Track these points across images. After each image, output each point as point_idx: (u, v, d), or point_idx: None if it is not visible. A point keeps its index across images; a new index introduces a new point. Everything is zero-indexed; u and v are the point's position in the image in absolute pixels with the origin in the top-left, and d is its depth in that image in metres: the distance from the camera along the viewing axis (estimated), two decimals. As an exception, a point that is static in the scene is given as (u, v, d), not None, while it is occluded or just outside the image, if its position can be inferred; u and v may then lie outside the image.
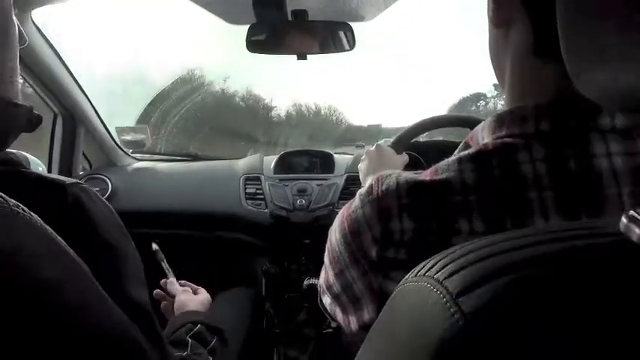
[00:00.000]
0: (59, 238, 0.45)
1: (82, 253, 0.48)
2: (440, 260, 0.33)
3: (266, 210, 1.73)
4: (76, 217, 0.55)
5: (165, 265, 1.26)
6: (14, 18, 0.59)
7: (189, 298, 1.11)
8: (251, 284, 1.76)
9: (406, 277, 0.36)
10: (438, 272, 0.32)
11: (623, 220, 0.31)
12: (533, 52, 0.51)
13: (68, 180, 0.58)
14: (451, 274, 0.31)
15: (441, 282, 0.30)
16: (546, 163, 0.48)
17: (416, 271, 0.35)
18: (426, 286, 0.32)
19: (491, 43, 0.59)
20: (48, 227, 0.45)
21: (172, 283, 1.19)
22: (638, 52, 0.26)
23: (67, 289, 0.44)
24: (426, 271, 0.33)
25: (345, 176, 1.81)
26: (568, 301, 0.27)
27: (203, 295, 1.15)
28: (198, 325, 0.91)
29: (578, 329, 0.26)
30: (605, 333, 0.25)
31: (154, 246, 1.29)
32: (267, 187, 1.78)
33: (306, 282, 1.40)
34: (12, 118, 0.60)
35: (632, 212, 0.31)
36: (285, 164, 1.93)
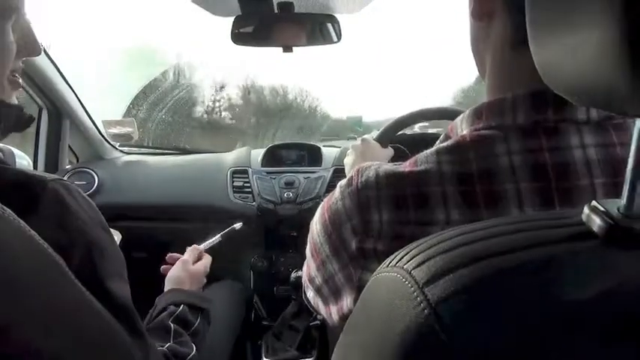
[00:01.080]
0: (35, 234, 0.45)
1: (61, 249, 0.48)
2: (411, 250, 0.34)
3: (253, 203, 1.73)
4: (55, 213, 0.54)
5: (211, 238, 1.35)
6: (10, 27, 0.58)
7: (181, 270, 1.12)
8: (239, 278, 1.76)
9: (379, 267, 0.36)
10: (407, 262, 0.32)
11: (585, 210, 0.31)
12: (512, 45, 0.51)
13: (49, 176, 0.57)
14: (419, 264, 0.31)
15: (410, 272, 0.31)
16: (522, 154, 0.48)
17: (388, 261, 0.35)
18: (396, 277, 0.32)
19: (471, 36, 0.59)
20: (22, 222, 0.44)
21: (189, 250, 1.23)
22: (603, 50, 0.26)
23: (43, 286, 0.44)
24: (397, 262, 0.34)
25: (332, 169, 1.81)
26: (528, 291, 0.27)
27: (198, 265, 1.18)
28: (182, 307, 0.92)
29: (538, 318, 0.26)
30: (563, 322, 0.26)
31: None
32: (255, 180, 1.78)
33: (293, 274, 1.41)
34: (2, 118, 0.60)
35: (594, 202, 0.31)
36: (273, 157, 1.93)
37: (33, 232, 0.44)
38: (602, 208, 0.31)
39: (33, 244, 0.44)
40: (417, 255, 0.32)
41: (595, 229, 0.30)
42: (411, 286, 0.30)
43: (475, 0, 0.55)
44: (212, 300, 1.03)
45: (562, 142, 0.48)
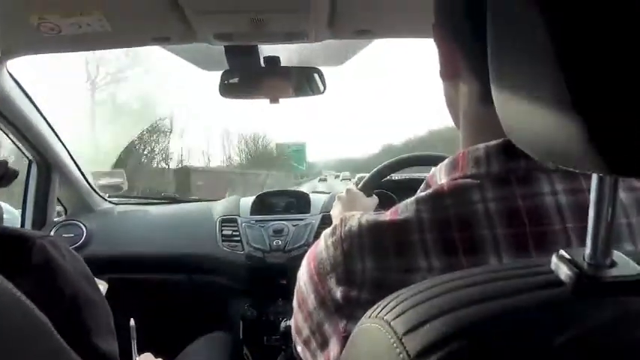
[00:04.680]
0: (22, 295, 0.45)
1: (47, 307, 0.48)
2: (391, 301, 0.35)
3: (242, 252, 1.73)
4: (42, 270, 0.55)
5: (134, 345, 1.23)
6: None
7: None
8: (229, 328, 1.74)
9: (362, 318, 0.37)
10: (387, 313, 0.34)
11: (554, 259, 0.33)
12: (480, 100, 0.54)
13: (37, 233, 0.58)
14: (398, 315, 0.32)
15: (390, 323, 0.32)
16: (497, 202, 0.50)
17: (370, 312, 0.36)
18: (377, 327, 0.33)
19: (444, 92, 0.63)
20: (10, 285, 0.44)
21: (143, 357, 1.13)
22: (557, 113, 0.28)
23: (28, 348, 0.43)
24: (378, 313, 0.35)
25: (320, 216, 1.83)
26: (499, 340, 0.29)
27: None
28: None
29: None
30: None
31: (132, 322, 1.28)
32: (244, 229, 1.79)
33: (283, 324, 1.40)
34: None
35: (561, 251, 0.33)
36: (262, 205, 1.94)
37: (20, 294, 0.45)
38: (568, 257, 0.33)
39: (20, 306, 0.44)
40: (397, 306, 0.34)
41: (563, 277, 0.32)
42: (391, 337, 0.31)
43: (441, 62, 0.58)
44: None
45: (534, 189, 0.51)
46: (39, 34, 1.18)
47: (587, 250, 0.32)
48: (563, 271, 0.32)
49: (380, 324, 0.33)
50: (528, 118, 0.32)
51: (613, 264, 0.32)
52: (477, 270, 0.36)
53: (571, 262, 0.32)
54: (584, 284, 0.31)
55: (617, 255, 0.33)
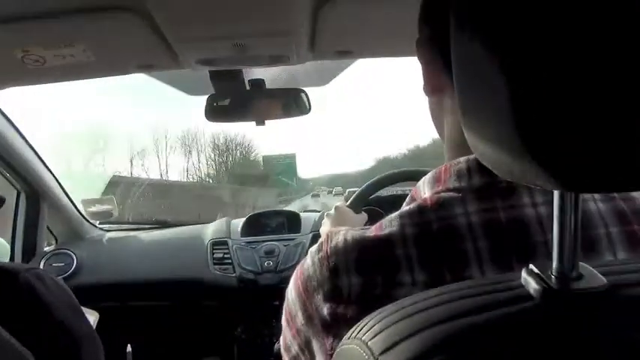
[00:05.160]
0: (2, 330, 0.45)
1: (34, 344, 0.48)
2: (370, 320, 0.36)
3: (234, 274, 1.73)
4: (28, 304, 0.55)
5: None
6: None
7: None
8: (223, 352, 1.73)
9: (343, 339, 0.38)
10: (365, 334, 0.34)
11: (523, 273, 0.34)
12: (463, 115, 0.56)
13: (22, 267, 0.58)
14: (375, 335, 0.33)
15: (367, 343, 0.33)
16: (478, 215, 0.51)
17: (350, 333, 0.37)
18: (355, 348, 0.34)
19: (429, 107, 0.64)
20: None
21: None
22: (507, 138, 0.30)
23: None
24: (357, 333, 0.36)
25: (311, 235, 1.83)
26: (471, 356, 0.29)
27: None
28: None
29: None
30: None
31: (129, 348, 1.26)
32: (235, 251, 1.79)
33: (276, 346, 1.38)
34: None
35: (530, 266, 0.34)
36: (253, 226, 1.94)
37: (5, 332, 0.45)
38: (536, 271, 0.34)
39: (6, 345, 0.44)
40: (374, 325, 0.35)
41: (531, 291, 0.33)
42: (368, 358, 0.32)
43: (424, 78, 0.60)
44: None
45: (515, 202, 0.51)
46: (24, 66, 1.19)
47: (554, 263, 0.33)
48: (532, 286, 0.33)
49: (358, 344, 0.34)
50: (489, 139, 0.33)
51: (580, 276, 0.33)
52: (453, 287, 0.37)
53: (538, 276, 0.33)
54: (551, 297, 0.32)
55: (583, 267, 0.34)
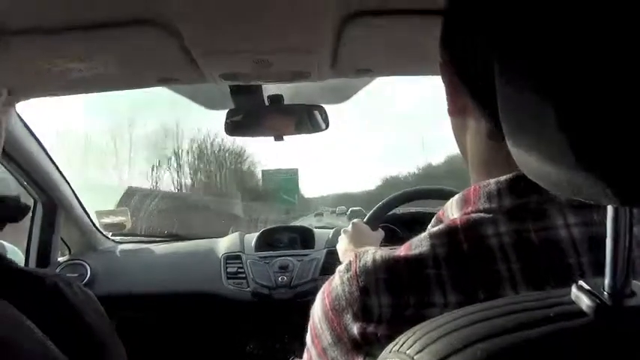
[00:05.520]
0: (39, 331, 0.45)
1: (67, 347, 0.48)
2: (411, 336, 0.36)
3: (248, 289, 1.72)
4: (58, 308, 0.55)
5: None
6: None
7: None
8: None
9: (382, 354, 0.38)
10: (409, 348, 0.34)
11: (573, 289, 0.34)
12: (489, 135, 0.55)
13: (49, 272, 0.59)
14: (421, 349, 0.33)
15: (413, 357, 0.33)
16: (510, 236, 0.51)
17: (390, 347, 0.37)
18: None
19: (452, 129, 0.64)
20: (27, 320, 0.45)
21: None
22: (559, 151, 0.30)
23: None
24: (399, 347, 0.35)
25: (325, 251, 1.82)
26: None
27: None
28: None
29: None
30: None
31: None
32: (249, 266, 1.78)
33: (289, 363, 1.38)
34: None
35: (580, 282, 0.34)
36: (266, 241, 1.94)
37: (41, 334, 0.45)
38: (588, 287, 0.33)
39: (42, 347, 0.45)
40: (418, 340, 0.34)
41: (584, 308, 0.32)
42: None
43: (448, 100, 0.60)
44: None
45: (548, 223, 0.51)
46: (48, 77, 1.20)
47: (607, 279, 0.33)
48: (584, 302, 0.32)
49: (402, 358, 0.34)
50: (535, 153, 0.33)
51: (632, 293, 0.33)
52: (496, 302, 0.37)
53: (591, 293, 0.33)
54: (605, 314, 0.32)
55: (635, 284, 0.34)
